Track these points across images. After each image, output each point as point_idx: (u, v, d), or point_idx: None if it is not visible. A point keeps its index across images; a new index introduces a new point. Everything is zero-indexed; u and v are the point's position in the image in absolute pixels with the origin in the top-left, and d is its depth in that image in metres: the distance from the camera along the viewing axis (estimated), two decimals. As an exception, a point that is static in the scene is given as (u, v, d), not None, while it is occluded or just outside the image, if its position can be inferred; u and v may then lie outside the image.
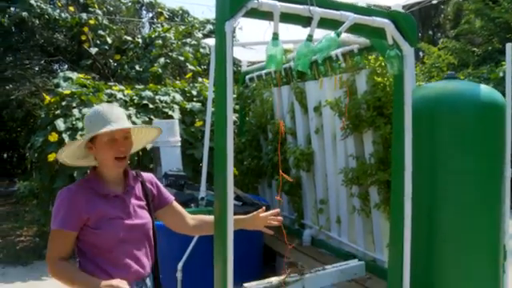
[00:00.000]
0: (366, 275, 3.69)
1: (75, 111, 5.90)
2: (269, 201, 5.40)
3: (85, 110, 5.89)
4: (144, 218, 2.14)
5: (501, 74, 9.64)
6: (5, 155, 15.06)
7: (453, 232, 2.83)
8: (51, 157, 5.65)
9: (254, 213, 2.33)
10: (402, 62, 2.52)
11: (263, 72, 5.56)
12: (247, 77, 6.00)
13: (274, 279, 3.24)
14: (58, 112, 5.94)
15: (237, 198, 4.56)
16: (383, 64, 3.76)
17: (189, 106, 6.33)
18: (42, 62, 10.32)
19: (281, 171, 2.30)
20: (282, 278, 3.22)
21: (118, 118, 2.06)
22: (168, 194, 2.34)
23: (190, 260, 3.81)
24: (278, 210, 2.36)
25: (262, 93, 5.52)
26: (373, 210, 3.94)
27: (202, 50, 9.19)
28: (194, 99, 6.60)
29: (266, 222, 2.32)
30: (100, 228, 1.99)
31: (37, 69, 10.32)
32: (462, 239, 2.83)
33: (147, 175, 2.29)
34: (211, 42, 6.49)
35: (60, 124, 5.77)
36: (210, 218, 2.28)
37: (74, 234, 2.00)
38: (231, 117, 1.94)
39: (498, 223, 2.94)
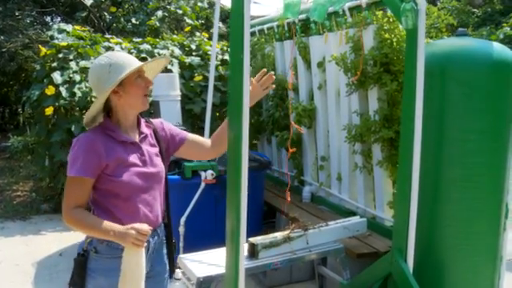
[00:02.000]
0: (366, 232, 3.73)
1: (72, 64, 5.76)
2: (269, 157, 5.39)
3: (82, 63, 5.76)
4: (158, 165, 2.10)
5: (501, 36, 9.52)
6: (-3, 109, 14.88)
7: (457, 191, 2.83)
8: (48, 110, 5.56)
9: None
10: (417, 15, 2.46)
11: (265, 26, 5.44)
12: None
13: (279, 234, 3.27)
14: (54, 65, 5.80)
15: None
16: (391, 20, 3.68)
17: (188, 60, 6.20)
18: (34, 13, 10.02)
19: (292, 122, 2.21)
20: (286, 233, 3.25)
21: (130, 57, 2.03)
22: (180, 131, 2.29)
23: (191, 215, 3.82)
24: (264, 69, 2.28)
25: (263, 47, 5.41)
26: (375, 167, 3.95)
27: (199, 4, 8.96)
28: (193, 53, 6.47)
29: (263, 87, 2.25)
30: (117, 175, 1.95)
31: (28, 21, 10.04)
32: (465, 198, 2.83)
33: (156, 121, 2.26)
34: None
35: (57, 77, 5.65)
36: (222, 125, 2.26)
37: (92, 181, 1.95)
38: (248, 76, 1.89)
39: (503, 182, 2.94)
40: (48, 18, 11.60)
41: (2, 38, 9.29)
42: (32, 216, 5.98)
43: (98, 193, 2.00)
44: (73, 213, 1.94)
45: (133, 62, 1.98)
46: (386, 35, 3.66)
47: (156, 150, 2.14)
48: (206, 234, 3.59)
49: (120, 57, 2.00)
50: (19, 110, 13.56)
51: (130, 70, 1.94)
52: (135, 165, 2.00)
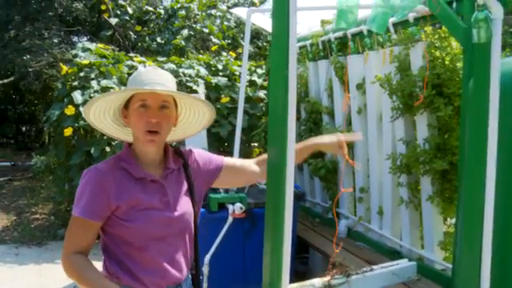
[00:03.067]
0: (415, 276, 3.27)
1: (93, 83, 5.50)
2: (300, 186, 4.97)
3: (103, 82, 5.50)
4: (185, 208, 1.75)
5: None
6: (23, 128, 14.86)
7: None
8: (67, 131, 5.29)
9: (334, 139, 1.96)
10: (491, 26, 2.04)
11: (298, 45, 5.06)
12: (279, 50, 5.51)
13: (317, 281, 2.83)
14: (75, 83, 5.55)
15: (268, 183, 4.14)
16: (443, 35, 3.26)
17: (214, 80, 5.89)
18: (61, 32, 9.94)
19: (346, 156, 1.80)
20: (326, 279, 2.81)
21: (156, 80, 1.65)
22: (215, 157, 1.93)
23: (217, 252, 3.41)
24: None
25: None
26: (424, 202, 3.49)
27: (226, 23, 8.69)
28: (220, 73, 6.14)
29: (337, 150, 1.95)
30: (132, 220, 1.62)
31: (56, 40, 9.95)
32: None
33: (186, 151, 1.89)
34: (241, 12, 6.03)
35: (77, 96, 5.38)
36: None
37: (98, 225, 1.64)
38: (294, 98, 1.50)
39: None
40: (75, 38, 11.55)
41: (28, 57, 9.20)
42: (48, 242, 5.69)
43: (109, 238, 1.68)
44: (71, 259, 1.62)
45: (148, 84, 1.63)
46: (437, 53, 3.24)
47: (184, 188, 1.78)
48: (234, 274, 3.24)
49: (147, 74, 1.68)
50: (45, 128, 13.54)
51: (123, 91, 1.66)
52: (154, 208, 1.66)
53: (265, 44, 8.65)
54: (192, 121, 1.85)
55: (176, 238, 1.71)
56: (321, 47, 4.63)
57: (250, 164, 1.94)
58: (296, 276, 4.49)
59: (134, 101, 1.65)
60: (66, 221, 6.24)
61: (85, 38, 10.85)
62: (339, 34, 4.27)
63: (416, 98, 3.27)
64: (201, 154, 1.91)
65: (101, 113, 1.73)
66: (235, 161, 2.01)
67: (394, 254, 3.80)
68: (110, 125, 1.79)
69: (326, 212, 4.75)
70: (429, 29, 3.33)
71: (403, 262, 3.23)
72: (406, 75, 3.36)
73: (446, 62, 3.18)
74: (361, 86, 4.07)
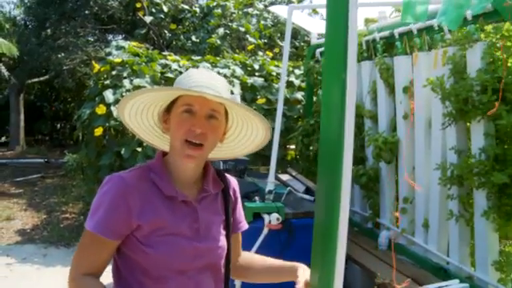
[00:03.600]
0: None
1: (126, 82, 5.38)
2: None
3: (136, 81, 5.36)
4: (217, 240, 1.49)
5: None
6: (58, 126, 15.01)
7: None
8: (98, 131, 5.18)
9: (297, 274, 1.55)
10: None
11: (338, 45, 4.81)
12: (318, 50, 5.26)
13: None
14: (107, 82, 5.43)
15: (307, 191, 3.89)
16: (506, 34, 2.95)
17: (250, 80, 5.67)
18: (96, 31, 9.93)
19: (407, 178, 1.55)
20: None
21: (207, 84, 1.39)
22: (243, 217, 1.68)
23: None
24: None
25: (335, 69, 4.76)
26: (478, 218, 3.18)
27: (262, 22, 8.47)
28: (256, 74, 5.93)
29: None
30: (152, 245, 1.36)
31: (91, 39, 9.95)
32: None
33: (231, 180, 1.63)
34: (279, 10, 5.80)
35: (109, 95, 5.26)
36: (259, 261, 1.71)
37: (114, 244, 1.39)
38: (352, 102, 1.25)
39: None
40: (110, 37, 11.55)
41: (63, 55, 9.22)
42: (76, 243, 5.54)
43: (123, 261, 1.42)
44: (81, 283, 1.39)
45: (199, 86, 1.37)
46: (499, 54, 2.94)
47: (220, 217, 1.53)
48: None
49: (198, 76, 1.43)
50: (77, 127, 13.61)
51: (170, 88, 1.43)
52: (181, 234, 1.40)
53: (302, 44, 8.40)
54: (242, 139, 1.57)
55: (199, 273, 1.44)
56: (364, 47, 4.35)
57: (239, 255, 1.70)
58: (333, 290, 4.25)
59: (178, 104, 1.40)
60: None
61: (119, 37, 10.84)
62: (385, 33, 4.00)
63: (473, 104, 2.97)
64: (240, 201, 1.67)
65: (138, 112, 1.48)
66: (239, 241, 1.70)
67: (440, 271, 3.51)
68: (145, 127, 1.54)
69: (365, 221, 4.48)
70: (489, 27, 3.03)
71: (454, 284, 2.95)
72: (462, 79, 3.07)
73: (509, 64, 2.88)
74: (408, 90, 3.78)
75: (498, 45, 2.96)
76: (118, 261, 1.44)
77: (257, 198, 3.26)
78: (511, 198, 3.01)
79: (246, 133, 1.55)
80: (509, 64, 2.90)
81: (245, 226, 1.67)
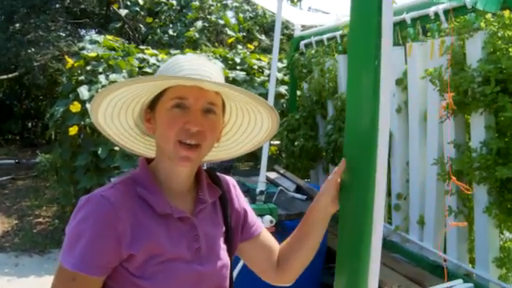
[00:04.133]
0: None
1: (101, 77, 5.10)
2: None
3: (112, 76, 5.10)
4: (221, 258, 1.23)
5: None
6: (29, 124, 14.50)
7: None
8: (72, 130, 4.89)
9: (324, 187, 1.31)
10: None
11: (324, 37, 4.65)
12: (302, 42, 5.08)
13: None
14: (81, 78, 5.15)
15: (298, 189, 3.71)
16: (507, 22, 2.82)
17: (232, 74, 5.47)
18: (68, 25, 9.55)
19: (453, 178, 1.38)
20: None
21: (201, 72, 1.12)
22: (255, 216, 1.41)
23: (243, 270, 2.99)
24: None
25: (323, 61, 4.59)
26: (478, 213, 3.06)
27: (241, 15, 8.26)
28: (238, 67, 5.73)
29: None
30: (149, 277, 1.10)
31: (62, 34, 9.57)
32: None
33: (228, 180, 1.38)
34: (263, 1, 5.59)
35: (84, 92, 4.98)
36: (287, 241, 1.40)
37: (99, 281, 1.09)
38: (387, 92, 1.07)
39: None
40: (83, 31, 11.16)
41: (33, 50, 8.82)
42: (51, 250, 5.23)
43: None
44: None
45: (193, 74, 1.11)
46: (501, 44, 2.81)
47: (221, 230, 1.27)
48: None
49: (190, 61, 1.16)
50: (49, 126, 13.15)
51: (156, 77, 1.10)
52: (181, 259, 1.14)
53: (281, 37, 8.22)
54: (242, 135, 1.33)
55: None
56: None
57: (275, 254, 1.40)
58: (324, 288, 4.10)
59: (165, 98, 1.14)
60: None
61: (93, 31, 10.47)
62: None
63: (473, 96, 2.84)
64: (243, 197, 1.41)
65: (115, 111, 1.19)
66: (271, 239, 1.42)
67: (438, 269, 3.39)
68: (125, 131, 1.26)
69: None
70: (489, 15, 2.90)
71: (459, 284, 2.82)
72: (462, 70, 2.93)
73: (511, 54, 2.75)
74: (401, 82, 3.64)
75: (499, 34, 2.83)
76: None
77: (246, 198, 3.06)
78: (514, 194, 2.90)
79: (247, 128, 1.31)
80: (511, 54, 2.78)
81: (261, 226, 1.41)
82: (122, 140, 1.28)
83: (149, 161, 1.24)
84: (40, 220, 6.29)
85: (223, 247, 1.26)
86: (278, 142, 5.50)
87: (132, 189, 1.14)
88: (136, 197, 1.14)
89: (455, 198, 3.21)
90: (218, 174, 1.37)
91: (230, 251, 1.29)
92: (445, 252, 3.42)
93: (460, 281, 2.86)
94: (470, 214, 3.20)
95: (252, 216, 1.40)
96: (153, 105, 1.18)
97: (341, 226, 1.21)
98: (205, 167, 1.37)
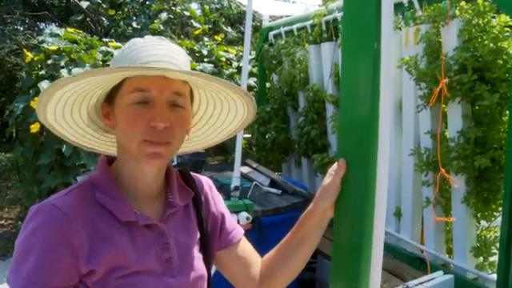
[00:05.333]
0: None
1: (63, 71, 4.87)
2: (300, 183, 4.47)
3: (75, 70, 4.87)
4: (196, 269, 1.10)
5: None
6: (-14, 122, 13.95)
7: None
8: (34, 127, 4.66)
9: (321, 188, 1.17)
10: None
11: (294, 27, 4.55)
12: (271, 33, 4.98)
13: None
14: (42, 73, 4.91)
15: (273, 183, 3.62)
16: (481, 9, 2.78)
17: (200, 67, 5.33)
18: (26, 18, 9.17)
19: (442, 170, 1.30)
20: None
21: (163, 58, 0.98)
22: (234, 221, 1.28)
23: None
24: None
25: (293, 52, 4.50)
26: (457, 203, 3.03)
27: (206, 6, 8.09)
28: (205, 60, 5.58)
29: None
30: None
31: (21, 28, 9.18)
32: None
33: (203, 181, 1.25)
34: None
35: (45, 87, 4.73)
36: (276, 249, 1.26)
37: None
38: (389, 77, 0.97)
39: None
40: (42, 25, 10.75)
41: (-13, 44, 8.42)
42: (15, 253, 4.98)
43: None
44: None
45: (155, 61, 0.97)
46: (474, 31, 2.77)
47: (195, 236, 1.14)
48: None
49: (150, 45, 1.00)
50: (9, 122, 12.67)
51: (112, 68, 0.93)
52: (148, 271, 1.01)
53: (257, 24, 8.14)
54: (215, 124, 1.20)
55: None
56: (324, 28, 4.11)
57: (256, 266, 1.26)
58: (302, 285, 4.03)
59: (124, 91, 0.99)
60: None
61: (52, 25, 10.09)
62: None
63: (450, 84, 2.79)
64: (221, 199, 1.29)
65: (67, 108, 1.04)
66: (250, 249, 1.29)
67: (416, 261, 3.37)
68: (80, 128, 1.12)
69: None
70: (463, 3, 2.86)
71: (439, 276, 2.79)
72: (437, 58, 2.89)
73: (486, 42, 2.72)
74: (375, 72, 3.58)
75: (473, 22, 2.80)
76: None
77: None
78: (490, 183, 2.89)
79: (219, 117, 1.18)
80: (486, 42, 2.75)
81: (240, 232, 1.28)
82: (77, 139, 1.14)
83: (111, 160, 1.11)
84: (2, 222, 6.01)
85: (198, 256, 1.13)
86: (248, 136, 5.40)
87: (90, 194, 1.01)
88: (95, 203, 1.00)
89: (432, 188, 3.17)
90: (193, 174, 1.23)
91: (207, 260, 1.16)
92: (422, 243, 3.40)
93: (440, 272, 2.82)
94: (446, 204, 3.17)
95: (230, 221, 1.27)
96: (110, 98, 1.03)
97: (336, 230, 1.11)
98: (175, 162, 1.24)
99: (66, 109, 1.04)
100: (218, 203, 1.25)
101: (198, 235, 1.15)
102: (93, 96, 1.05)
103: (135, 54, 0.99)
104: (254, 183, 3.37)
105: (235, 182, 2.90)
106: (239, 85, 5.44)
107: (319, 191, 1.15)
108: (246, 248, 1.27)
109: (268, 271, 1.24)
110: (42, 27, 10.53)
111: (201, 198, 1.19)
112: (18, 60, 7.86)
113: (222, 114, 1.17)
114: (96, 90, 1.02)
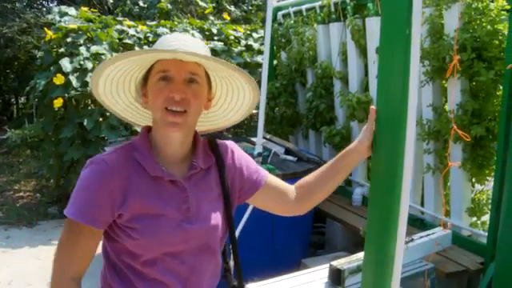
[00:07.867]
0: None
1: (82, 49, 5.13)
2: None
3: (93, 48, 5.13)
4: (211, 219, 1.35)
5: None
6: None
7: None
8: (57, 102, 4.94)
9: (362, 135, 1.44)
10: None
11: (303, 7, 4.84)
12: (280, 13, 5.26)
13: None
14: (61, 50, 5.16)
15: (288, 151, 3.96)
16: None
17: (210, 45, 5.59)
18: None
19: (454, 126, 1.62)
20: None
21: (181, 46, 1.26)
22: (259, 168, 1.52)
23: (241, 237, 3.19)
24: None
25: (302, 31, 4.80)
26: (454, 169, 3.39)
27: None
28: (215, 38, 5.85)
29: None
30: (138, 230, 1.26)
31: (25, 4, 9.30)
32: None
33: (224, 146, 1.47)
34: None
35: (66, 64, 5.01)
36: (317, 172, 1.50)
37: (98, 234, 1.30)
38: (417, 61, 1.30)
39: None
40: (46, 3, 10.87)
41: (-3, 21, 8.56)
42: (40, 222, 5.30)
43: (111, 244, 1.33)
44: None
45: (173, 47, 1.26)
46: (473, 13, 3.10)
47: (214, 194, 1.39)
48: (260, 262, 3.03)
49: (174, 37, 1.33)
50: (12, 100, 12.83)
51: (140, 51, 1.27)
52: (167, 216, 1.29)
53: (250, 8, 8.36)
54: (230, 104, 1.45)
55: (194, 257, 1.34)
56: (333, 9, 4.41)
57: (292, 191, 1.51)
58: (313, 247, 4.40)
59: (153, 72, 1.29)
60: (55, 198, 5.77)
61: (55, 2, 10.24)
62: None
63: (451, 62, 3.13)
64: (244, 155, 1.50)
65: (113, 87, 1.36)
66: (278, 182, 1.52)
67: (417, 222, 3.74)
68: (125, 105, 1.42)
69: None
70: (464, -12, 3.17)
71: (438, 231, 3.16)
72: (440, 38, 3.21)
73: (484, 24, 3.05)
74: (381, 50, 3.90)
75: (473, 5, 3.11)
76: (106, 243, 1.34)
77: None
78: (484, 149, 3.25)
79: (233, 97, 1.44)
80: (484, 24, 3.07)
81: (264, 175, 1.50)
82: (124, 113, 1.44)
83: (149, 130, 1.39)
84: (21, 194, 6.31)
85: (216, 210, 1.37)
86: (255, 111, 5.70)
87: (130, 153, 1.31)
88: (133, 160, 1.30)
89: (433, 155, 3.53)
90: (219, 141, 1.47)
91: (228, 212, 1.40)
92: (422, 206, 3.77)
93: (439, 228, 3.19)
94: (443, 169, 3.53)
95: (252, 169, 1.49)
96: (145, 80, 1.33)
97: (374, 168, 1.43)
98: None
99: (113, 89, 1.35)
100: (238, 160, 1.47)
101: (218, 192, 1.40)
102: (131, 79, 1.36)
103: (161, 44, 1.31)
104: (273, 151, 3.71)
105: (257, 148, 3.22)
106: (249, 61, 5.71)
107: (361, 134, 1.45)
108: (275, 184, 1.51)
109: (306, 192, 1.50)
110: (45, 4, 10.66)
111: (223, 160, 1.43)
112: (28, 38, 8.03)
113: (234, 95, 1.43)
114: (133, 74, 1.34)
